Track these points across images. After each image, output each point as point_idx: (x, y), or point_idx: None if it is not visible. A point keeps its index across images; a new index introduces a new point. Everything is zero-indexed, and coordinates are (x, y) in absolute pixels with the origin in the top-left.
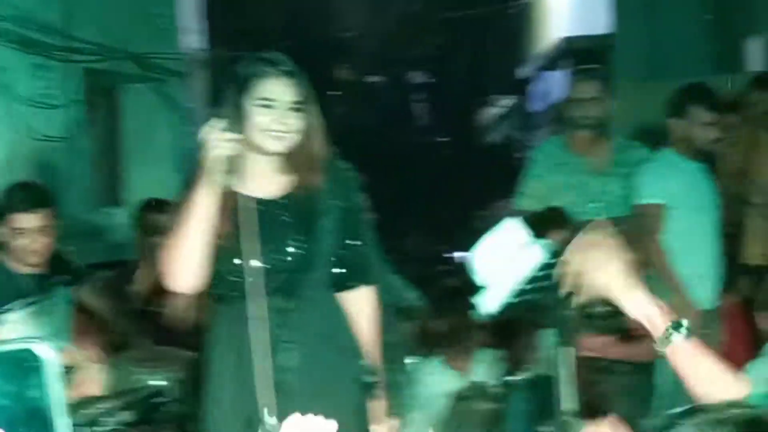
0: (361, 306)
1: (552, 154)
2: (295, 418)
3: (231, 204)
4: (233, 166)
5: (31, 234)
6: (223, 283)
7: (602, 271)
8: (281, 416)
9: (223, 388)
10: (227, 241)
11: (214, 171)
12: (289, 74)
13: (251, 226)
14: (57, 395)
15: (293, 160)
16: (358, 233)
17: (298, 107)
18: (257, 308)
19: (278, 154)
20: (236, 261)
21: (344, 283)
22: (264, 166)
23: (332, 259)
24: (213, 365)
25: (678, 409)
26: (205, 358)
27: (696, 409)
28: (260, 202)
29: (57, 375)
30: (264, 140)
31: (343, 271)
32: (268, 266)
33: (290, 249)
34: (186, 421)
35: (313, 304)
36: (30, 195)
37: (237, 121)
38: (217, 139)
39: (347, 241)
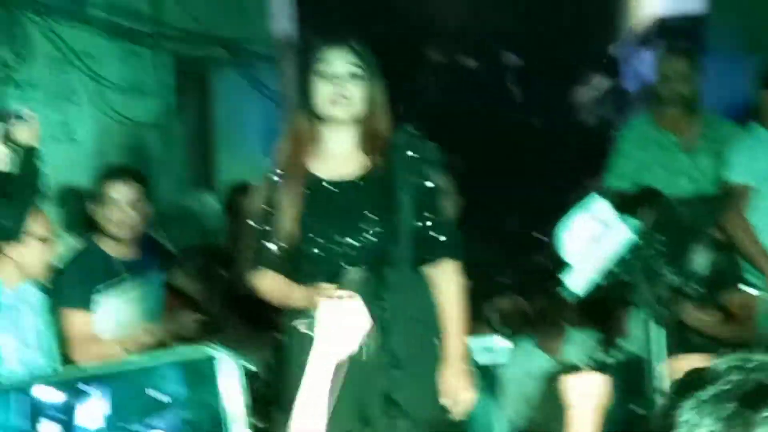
0: (445, 279)
1: (641, 132)
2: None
3: (309, 185)
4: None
5: (123, 207)
6: (306, 263)
7: None
8: (363, 390)
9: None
10: (307, 221)
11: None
12: (346, 45)
13: (330, 205)
14: (235, 402)
15: (361, 133)
16: (437, 207)
17: (357, 76)
18: (341, 285)
19: (344, 122)
20: (318, 240)
21: (426, 257)
22: (337, 145)
23: (413, 233)
24: (296, 347)
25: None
26: (288, 339)
27: (692, 381)
28: (337, 182)
29: (235, 382)
30: (327, 109)
31: (426, 244)
32: (350, 244)
33: (370, 226)
34: (274, 403)
35: (396, 280)
36: (123, 170)
37: (308, 98)
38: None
39: (426, 215)
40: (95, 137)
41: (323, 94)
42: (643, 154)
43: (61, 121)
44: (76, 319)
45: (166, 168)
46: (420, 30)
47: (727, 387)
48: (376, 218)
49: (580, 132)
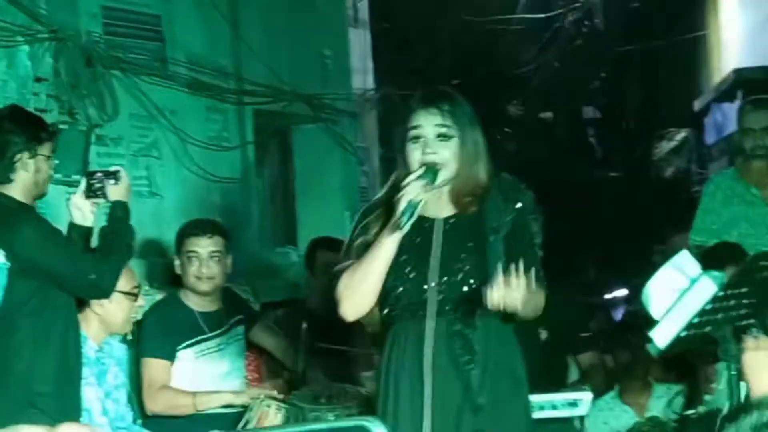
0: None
1: (726, 187)
2: None
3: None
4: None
5: (205, 260)
6: (399, 306)
7: None
8: None
9: (398, 412)
10: (402, 264)
11: (406, 216)
12: (434, 104)
13: (423, 249)
14: None
15: (454, 189)
16: (528, 244)
17: (445, 136)
18: (432, 330)
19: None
20: (410, 284)
21: None
22: (431, 204)
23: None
24: (388, 389)
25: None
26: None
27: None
28: (430, 224)
29: None
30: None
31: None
32: (441, 287)
33: (461, 269)
34: None
35: (486, 326)
36: (204, 222)
37: (403, 160)
38: (414, 187)
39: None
40: (178, 192)
41: (413, 157)
42: (728, 209)
43: (145, 176)
44: (154, 368)
45: (249, 223)
46: (499, 84)
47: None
48: (465, 260)
49: (660, 186)
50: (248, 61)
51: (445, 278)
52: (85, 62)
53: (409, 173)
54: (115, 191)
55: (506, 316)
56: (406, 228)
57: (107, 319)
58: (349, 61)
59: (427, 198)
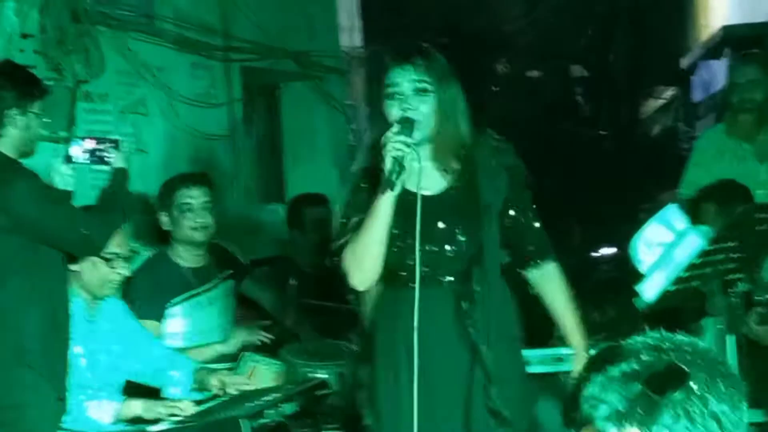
0: (552, 283)
1: (714, 142)
2: None
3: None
4: (408, 169)
5: (198, 209)
6: (396, 275)
7: None
8: (449, 401)
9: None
10: (398, 232)
11: (394, 174)
12: (409, 59)
13: (413, 218)
14: None
15: (436, 147)
16: (527, 209)
17: (423, 91)
18: (430, 297)
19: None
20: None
21: (529, 260)
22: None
23: (503, 239)
24: (381, 356)
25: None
26: (371, 347)
27: (605, 357)
28: (425, 196)
29: None
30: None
31: (530, 248)
32: (439, 254)
33: (459, 235)
34: (348, 413)
35: (486, 292)
36: (193, 174)
37: (380, 118)
38: (394, 144)
39: (516, 220)
40: (165, 149)
41: (391, 114)
42: (718, 164)
43: (131, 133)
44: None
45: (236, 180)
46: (486, 42)
47: (637, 366)
48: (462, 227)
49: (647, 144)
50: (236, 18)
51: (438, 247)
52: (72, 18)
53: (382, 133)
54: (117, 159)
55: (501, 278)
56: (399, 187)
57: (83, 280)
58: (337, 18)
59: (410, 153)
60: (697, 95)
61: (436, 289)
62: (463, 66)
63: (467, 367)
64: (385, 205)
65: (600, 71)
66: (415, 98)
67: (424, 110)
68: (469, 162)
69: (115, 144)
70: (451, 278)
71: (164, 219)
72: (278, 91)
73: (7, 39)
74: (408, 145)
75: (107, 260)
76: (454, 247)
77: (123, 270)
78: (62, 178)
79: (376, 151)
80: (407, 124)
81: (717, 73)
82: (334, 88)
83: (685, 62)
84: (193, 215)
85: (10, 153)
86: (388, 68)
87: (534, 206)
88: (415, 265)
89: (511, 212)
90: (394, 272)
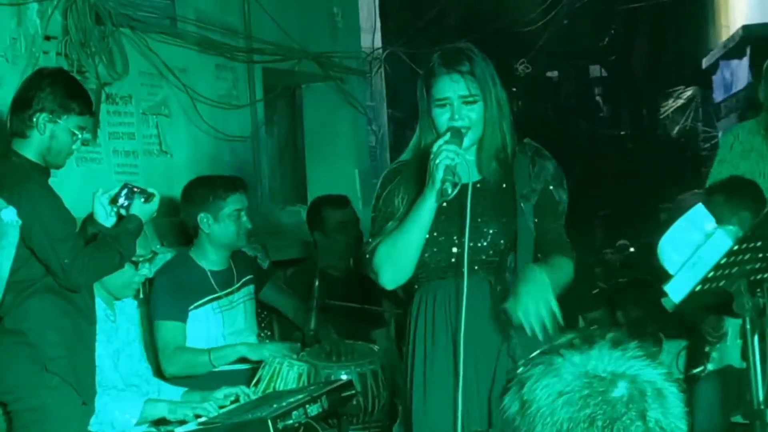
0: (555, 260)
1: (744, 139)
2: None
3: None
4: (454, 175)
5: (243, 216)
6: (427, 270)
7: None
8: (480, 384)
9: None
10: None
11: (449, 183)
12: (456, 67)
13: (450, 212)
14: None
15: (480, 150)
16: (555, 215)
17: (471, 99)
18: (462, 290)
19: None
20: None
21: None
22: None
23: (533, 239)
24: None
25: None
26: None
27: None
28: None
29: None
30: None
31: (546, 249)
32: (474, 246)
33: (488, 232)
34: (374, 413)
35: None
36: (236, 180)
37: (430, 125)
38: (446, 151)
39: (545, 222)
40: (187, 150)
41: (440, 124)
42: (745, 162)
43: (154, 134)
44: (168, 331)
45: (258, 181)
46: (506, 42)
47: None
48: (493, 222)
49: (667, 144)
50: (258, 19)
51: (473, 241)
52: (95, 20)
53: (434, 137)
54: (139, 208)
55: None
56: (451, 194)
57: (104, 282)
58: (358, 19)
59: (461, 162)
60: (718, 95)
61: (471, 277)
62: None
63: (496, 351)
64: (428, 210)
65: (620, 71)
66: (463, 107)
67: (473, 117)
68: (507, 163)
69: (147, 195)
70: (482, 270)
71: (205, 221)
72: (300, 93)
73: (30, 41)
74: (458, 154)
75: (133, 263)
76: (487, 240)
77: (145, 271)
78: (102, 210)
79: (420, 152)
80: (457, 134)
81: (738, 72)
82: (355, 89)
83: (705, 62)
84: (244, 221)
85: (31, 156)
86: (436, 75)
87: (565, 213)
88: (451, 256)
89: (542, 211)
90: (429, 266)
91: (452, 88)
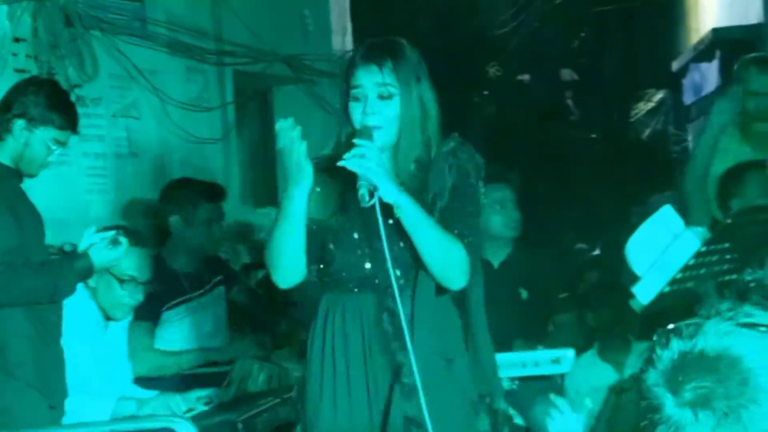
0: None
1: (735, 152)
2: None
3: (335, 200)
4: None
5: (221, 223)
6: (338, 279)
7: None
8: (370, 406)
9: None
10: (334, 236)
11: (364, 191)
12: (375, 59)
13: (357, 221)
14: None
15: (396, 154)
16: (466, 198)
17: (386, 94)
18: (365, 305)
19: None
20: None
21: None
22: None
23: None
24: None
25: None
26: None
27: None
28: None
29: None
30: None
31: (455, 231)
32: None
33: (400, 240)
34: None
35: (422, 304)
36: (218, 187)
37: (346, 118)
38: (286, 136)
39: (453, 205)
40: (158, 153)
41: (353, 117)
42: (721, 164)
43: (124, 137)
44: (139, 331)
45: (229, 184)
46: (478, 45)
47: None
48: (401, 237)
49: (638, 147)
50: (228, 22)
51: (378, 254)
52: (65, 22)
53: (350, 132)
54: (100, 252)
55: (439, 290)
56: (373, 202)
57: (97, 298)
58: (329, 21)
59: (371, 164)
60: (688, 98)
61: (372, 294)
62: (454, 69)
63: (389, 375)
64: (298, 200)
65: (591, 74)
66: (377, 102)
67: (387, 114)
68: (425, 166)
69: (114, 244)
70: (387, 285)
71: (176, 225)
72: (270, 95)
73: None
74: (367, 156)
75: (122, 281)
76: (395, 252)
77: (138, 295)
78: (96, 249)
79: (340, 147)
80: (366, 132)
81: (708, 75)
82: (326, 91)
83: (675, 65)
84: (215, 230)
85: (3, 160)
86: (356, 65)
87: (479, 197)
88: (360, 269)
89: (452, 203)
90: (344, 276)
91: (367, 77)
